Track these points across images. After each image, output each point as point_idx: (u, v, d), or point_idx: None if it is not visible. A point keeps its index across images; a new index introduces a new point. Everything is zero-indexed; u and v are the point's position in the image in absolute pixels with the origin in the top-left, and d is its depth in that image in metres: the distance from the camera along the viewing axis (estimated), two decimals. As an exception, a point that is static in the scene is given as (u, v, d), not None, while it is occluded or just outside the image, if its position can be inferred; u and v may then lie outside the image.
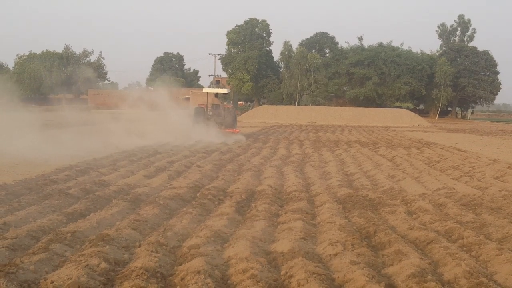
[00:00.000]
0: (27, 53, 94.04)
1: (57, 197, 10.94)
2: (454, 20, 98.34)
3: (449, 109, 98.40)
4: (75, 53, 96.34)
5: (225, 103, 33.55)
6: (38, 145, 20.95)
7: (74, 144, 22.41)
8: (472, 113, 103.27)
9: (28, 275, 6.46)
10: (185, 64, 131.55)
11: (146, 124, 30.34)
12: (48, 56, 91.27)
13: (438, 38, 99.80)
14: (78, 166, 15.90)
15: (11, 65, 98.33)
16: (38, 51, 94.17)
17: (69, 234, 8.12)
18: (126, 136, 26.04)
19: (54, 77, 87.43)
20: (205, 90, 34.70)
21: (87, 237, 8.23)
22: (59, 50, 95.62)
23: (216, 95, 33.45)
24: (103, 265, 6.83)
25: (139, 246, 7.85)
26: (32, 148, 19.68)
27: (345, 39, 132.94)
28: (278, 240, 8.45)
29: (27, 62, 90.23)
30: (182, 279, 6.54)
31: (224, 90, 34.58)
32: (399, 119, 65.81)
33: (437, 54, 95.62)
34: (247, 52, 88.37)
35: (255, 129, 44.29)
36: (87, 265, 6.65)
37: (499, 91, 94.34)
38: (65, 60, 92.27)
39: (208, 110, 31.51)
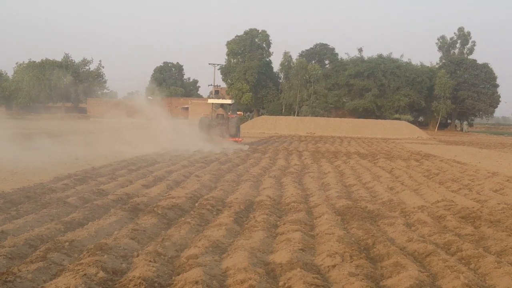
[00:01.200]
0: (26, 61, 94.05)
1: (55, 206, 10.91)
2: (454, 33, 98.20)
3: (449, 121, 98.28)
4: (74, 62, 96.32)
5: (229, 113, 34.61)
6: (38, 153, 20.98)
7: (73, 152, 22.48)
8: (471, 125, 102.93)
9: (25, 283, 6.44)
10: (184, 74, 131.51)
11: (146, 133, 30.57)
12: (47, 65, 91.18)
13: (438, 50, 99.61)
14: (77, 175, 15.90)
15: (10, 73, 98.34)
16: (38, 59, 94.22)
17: (67, 243, 8.10)
18: (124, 145, 26.11)
19: (53, 86, 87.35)
20: (210, 101, 36.90)
21: (85, 246, 8.19)
22: (59, 58, 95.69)
23: (222, 105, 34.86)
24: (101, 274, 6.81)
25: (137, 256, 7.83)
26: (31, 156, 19.68)
27: (345, 51, 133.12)
28: (277, 251, 8.43)
29: (26, 70, 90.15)
30: (180, 289, 6.50)
31: (229, 101, 36.49)
32: (398, 131, 65.78)
33: (436, 66, 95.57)
34: (246, 63, 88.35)
35: (254, 139, 44.29)
36: (85, 274, 6.62)
37: (499, 104, 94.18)
38: (64, 68, 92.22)
39: (213, 120, 32.92)
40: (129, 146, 25.98)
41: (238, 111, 39.45)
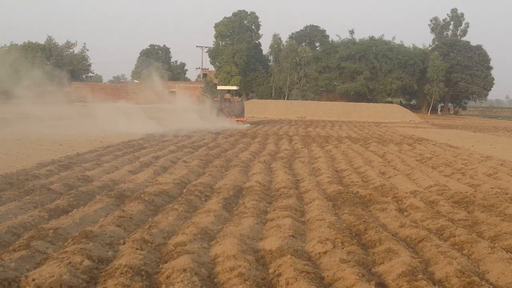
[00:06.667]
0: (8, 44, 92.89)
1: (39, 193, 10.68)
2: (447, 14, 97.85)
3: (442, 104, 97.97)
4: (58, 45, 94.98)
5: (235, 97, 42.98)
6: (20, 139, 20.79)
7: (57, 138, 22.39)
8: (465, 108, 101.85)
9: (8, 272, 6.29)
10: (171, 57, 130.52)
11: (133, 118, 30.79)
12: (30, 48, 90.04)
13: (430, 32, 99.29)
14: (61, 161, 15.61)
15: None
16: (20, 42, 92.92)
17: (51, 231, 7.92)
18: (110, 129, 26.08)
19: (36, 69, 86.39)
20: (219, 87, 46.76)
21: (70, 234, 8.03)
22: (42, 41, 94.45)
23: (229, 91, 45.36)
24: (86, 262, 6.65)
25: (124, 243, 7.68)
26: (13, 142, 19.47)
27: (336, 32, 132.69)
28: (267, 238, 8.30)
29: (8, 54, 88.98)
30: (167, 277, 6.38)
31: (234, 87, 47.48)
32: (391, 114, 65.76)
33: (429, 48, 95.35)
34: (235, 45, 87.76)
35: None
36: (70, 263, 6.47)
37: (492, 86, 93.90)
38: (47, 51, 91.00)
39: (221, 103, 40.95)
40: (116, 130, 25.86)
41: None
